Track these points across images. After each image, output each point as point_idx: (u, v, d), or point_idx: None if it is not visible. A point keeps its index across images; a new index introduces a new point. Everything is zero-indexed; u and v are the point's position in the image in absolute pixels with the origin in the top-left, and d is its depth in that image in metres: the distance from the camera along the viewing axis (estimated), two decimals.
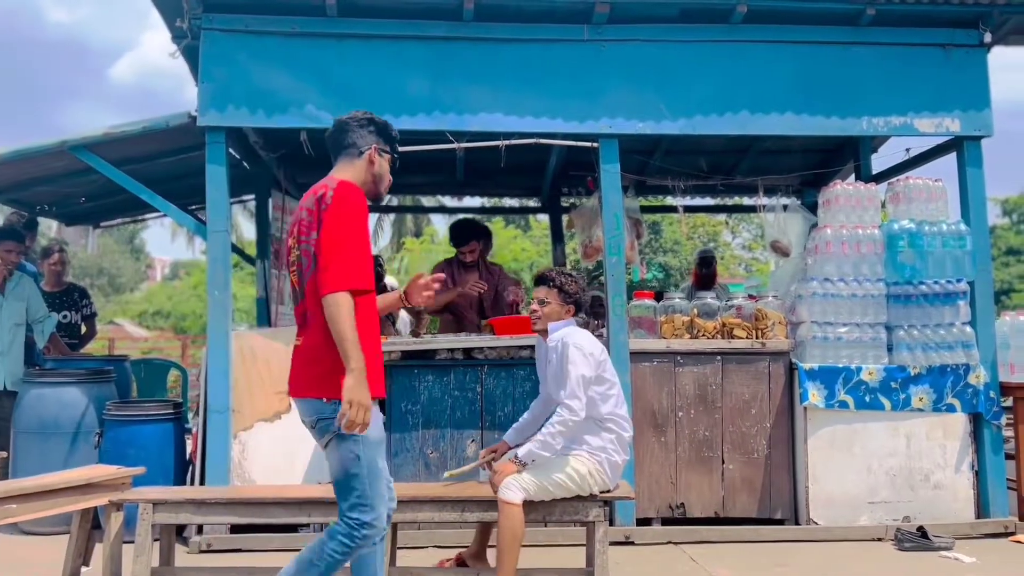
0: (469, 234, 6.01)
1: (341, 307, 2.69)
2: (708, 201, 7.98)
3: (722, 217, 24.98)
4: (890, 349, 5.09)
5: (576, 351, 3.65)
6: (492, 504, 3.62)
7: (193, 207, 6.52)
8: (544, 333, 3.87)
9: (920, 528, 4.73)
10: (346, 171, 2.95)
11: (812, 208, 5.86)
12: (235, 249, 9.21)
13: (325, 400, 2.77)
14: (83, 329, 6.50)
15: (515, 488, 3.53)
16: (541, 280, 3.90)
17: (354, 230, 2.77)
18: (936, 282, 5.04)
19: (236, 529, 4.60)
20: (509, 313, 5.55)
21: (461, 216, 7.26)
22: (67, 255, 6.52)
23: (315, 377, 2.79)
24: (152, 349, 20.08)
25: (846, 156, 6.63)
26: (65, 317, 6.29)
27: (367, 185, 2.96)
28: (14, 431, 5.15)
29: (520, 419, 4.07)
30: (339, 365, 2.70)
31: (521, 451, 3.61)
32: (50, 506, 3.59)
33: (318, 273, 2.76)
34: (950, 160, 5.40)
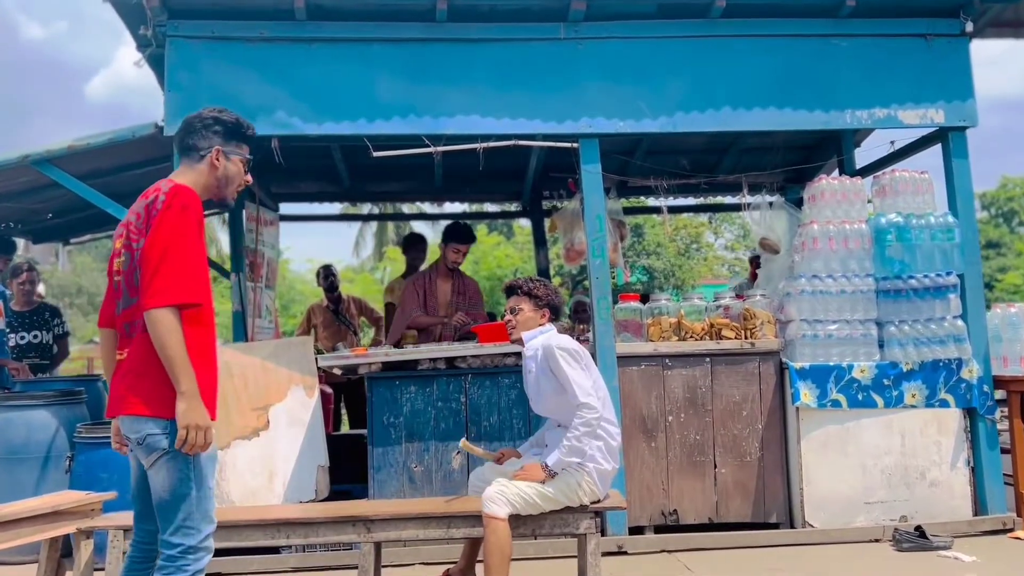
0: (467, 235, 5.91)
1: (163, 323, 2.46)
2: (691, 201, 7.88)
3: (704, 218, 25.06)
4: (881, 345, 5.00)
5: (560, 352, 3.55)
6: (479, 519, 3.48)
7: None
8: (520, 343, 3.75)
9: (918, 527, 4.63)
10: (185, 174, 2.75)
11: (797, 205, 5.78)
12: (209, 262, 9.11)
13: (152, 417, 2.54)
14: (55, 349, 6.32)
15: (500, 502, 3.40)
16: (510, 290, 3.81)
17: (183, 238, 2.52)
18: (925, 276, 4.96)
19: (215, 552, 4.43)
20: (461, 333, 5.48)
21: (451, 220, 7.18)
22: (36, 274, 6.34)
23: (140, 393, 2.55)
24: None
25: (829, 151, 6.56)
26: (36, 337, 6.14)
27: (210, 189, 2.77)
28: None
29: (532, 437, 4.02)
30: (166, 379, 2.51)
31: (550, 460, 3.48)
32: (14, 536, 3.42)
33: (142, 285, 2.52)
34: (935, 152, 5.33)
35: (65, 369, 6.68)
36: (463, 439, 3.86)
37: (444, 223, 6.93)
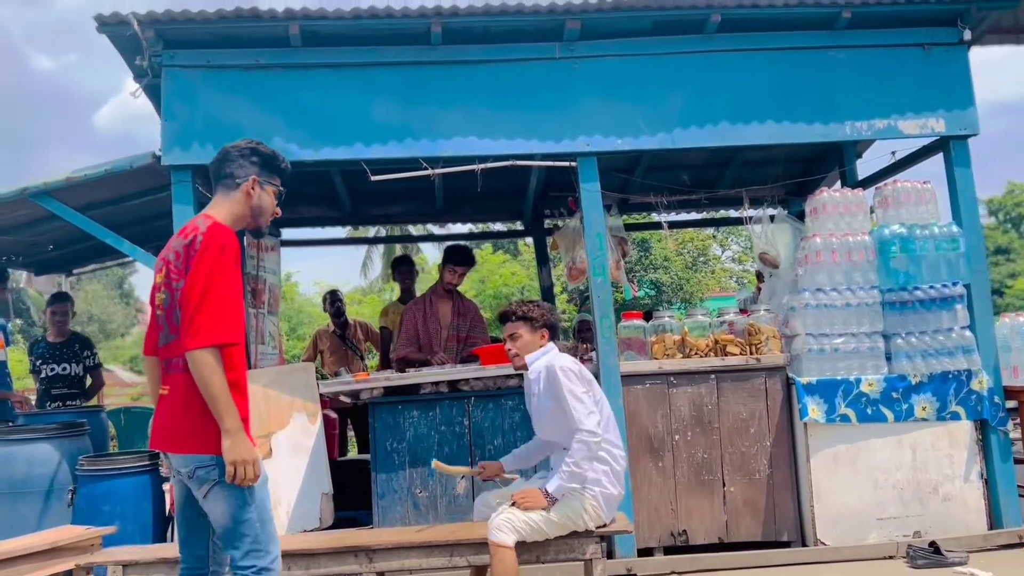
0: (464, 257, 5.88)
1: (205, 364, 2.53)
2: (693, 216, 7.84)
3: (711, 231, 25.01)
4: (889, 358, 4.93)
5: (562, 372, 3.51)
6: (482, 547, 3.43)
7: None
8: (525, 369, 3.71)
9: (932, 543, 4.54)
10: (222, 205, 2.82)
11: (800, 217, 5.73)
12: None
13: (199, 454, 2.62)
14: (88, 381, 6.31)
15: (507, 530, 3.34)
16: (503, 318, 3.78)
17: (222, 278, 2.60)
18: (931, 287, 4.89)
19: None
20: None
21: (454, 242, 7.16)
22: (69, 304, 6.32)
23: (184, 430, 2.63)
24: (143, 395, 19.77)
25: (830, 163, 6.52)
26: (65, 369, 6.14)
27: (244, 219, 2.84)
28: None
29: (518, 449, 3.95)
30: (209, 414, 2.58)
31: (550, 486, 3.44)
32: (11, 575, 3.38)
33: (182, 325, 2.60)
34: (936, 162, 5.28)
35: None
36: (434, 460, 3.82)
37: (447, 245, 6.90)
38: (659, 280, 22.06)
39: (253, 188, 2.82)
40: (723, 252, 25.95)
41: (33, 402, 6.22)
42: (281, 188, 2.92)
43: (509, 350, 3.71)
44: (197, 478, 2.62)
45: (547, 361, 3.62)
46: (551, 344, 3.72)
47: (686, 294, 21.42)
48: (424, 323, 5.73)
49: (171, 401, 2.68)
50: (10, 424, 5.33)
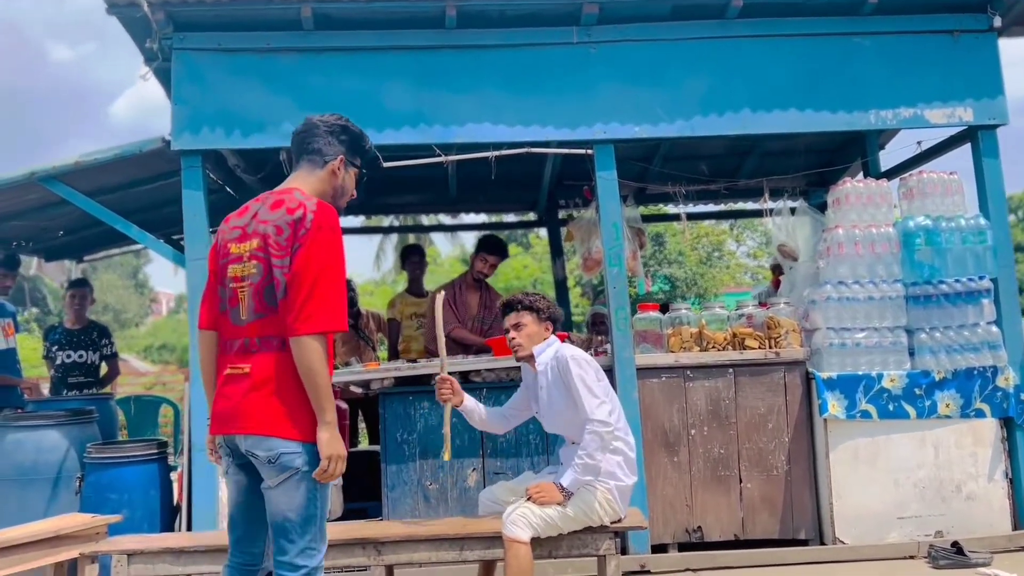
0: (497, 247, 5.80)
1: (314, 351, 2.40)
2: (711, 207, 7.70)
3: (726, 226, 24.82)
4: (912, 354, 4.81)
5: (574, 361, 3.44)
6: (493, 541, 3.35)
7: (177, 236, 6.27)
8: (530, 360, 3.61)
9: (955, 543, 4.43)
10: (307, 181, 2.66)
11: (820, 209, 5.61)
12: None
13: (290, 439, 2.47)
14: (103, 369, 6.26)
15: (523, 525, 3.26)
16: (508, 307, 3.68)
17: (335, 264, 2.47)
18: (957, 280, 4.77)
19: None
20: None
21: (476, 232, 7.07)
22: (88, 290, 6.25)
23: (277, 413, 2.47)
24: (155, 384, 19.82)
25: (852, 154, 6.37)
26: (81, 356, 6.08)
27: (326, 197, 2.66)
28: None
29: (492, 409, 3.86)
30: (304, 404, 2.45)
31: (565, 480, 3.35)
32: (16, 562, 3.33)
33: (291, 308, 2.43)
34: (961, 154, 5.15)
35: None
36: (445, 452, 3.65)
37: (461, 236, 6.81)
38: (673, 275, 21.92)
39: (339, 168, 2.68)
40: (738, 247, 25.78)
41: (46, 390, 6.18)
42: (364, 171, 2.78)
43: (512, 339, 3.62)
44: (279, 464, 2.46)
45: (555, 352, 3.53)
46: (554, 337, 3.64)
47: (700, 289, 21.29)
48: (453, 310, 5.64)
49: (255, 382, 2.49)
50: (19, 411, 5.28)
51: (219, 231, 2.72)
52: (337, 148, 2.68)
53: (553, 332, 3.66)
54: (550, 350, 3.56)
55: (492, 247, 5.74)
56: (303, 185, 2.64)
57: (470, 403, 3.75)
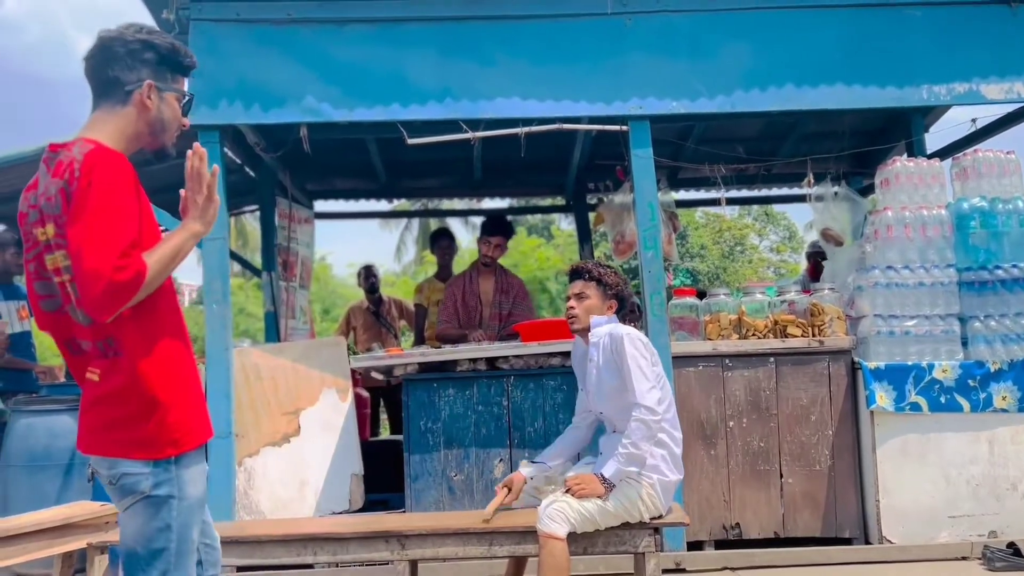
0: (495, 225, 5.59)
1: (143, 276, 1.93)
2: (745, 193, 7.44)
3: (750, 220, 24.48)
4: (965, 343, 4.55)
5: (629, 340, 3.20)
6: (524, 536, 3.14)
7: None
8: (584, 332, 3.37)
9: (1011, 544, 4.17)
10: (105, 123, 2.09)
11: (861, 194, 5.35)
12: (241, 261, 8.90)
13: (130, 459, 2.02)
14: None
15: (560, 520, 3.04)
16: (576, 273, 3.42)
17: (111, 217, 1.93)
18: (1014, 266, 4.49)
19: (244, 568, 4.14)
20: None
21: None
22: None
23: (115, 429, 2.03)
24: None
25: (896, 136, 6.09)
26: None
27: (141, 138, 2.13)
28: (3, 465, 4.74)
29: (550, 448, 3.57)
30: (145, 412, 2.02)
31: (607, 470, 3.11)
32: (23, 551, 3.17)
33: (80, 294, 1.96)
34: (1009, 136, 4.87)
35: None
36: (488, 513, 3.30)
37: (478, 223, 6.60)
38: (696, 269, 21.64)
39: (149, 97, 2.10)
40: (761, 241, 25.42)
41: (62, 375, 6.04)
42: (187, 93, 2.22)
43: (571, 308, 3.38)
44: (120, 487, 2.03)
45: (611, 328, 3.30)
46: (615, 318, 3.40)
47: (723, 283, 21.00)
48: (463, 300, 5.45)
49: (99, 393, 2.05)
50: (33, 395, 5.14)
51: (20, 202, 2.14)
52: (141, 72, 2.10)
53: (617, 314, 3.40)
54: (608, 325, 3.32)
55: (491, 228, 5.54)
56: (101, 130, 2.08)
57: (536, 467, 3.46)
